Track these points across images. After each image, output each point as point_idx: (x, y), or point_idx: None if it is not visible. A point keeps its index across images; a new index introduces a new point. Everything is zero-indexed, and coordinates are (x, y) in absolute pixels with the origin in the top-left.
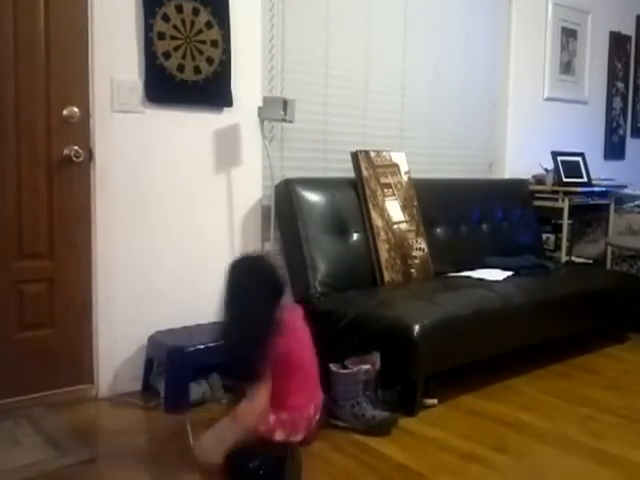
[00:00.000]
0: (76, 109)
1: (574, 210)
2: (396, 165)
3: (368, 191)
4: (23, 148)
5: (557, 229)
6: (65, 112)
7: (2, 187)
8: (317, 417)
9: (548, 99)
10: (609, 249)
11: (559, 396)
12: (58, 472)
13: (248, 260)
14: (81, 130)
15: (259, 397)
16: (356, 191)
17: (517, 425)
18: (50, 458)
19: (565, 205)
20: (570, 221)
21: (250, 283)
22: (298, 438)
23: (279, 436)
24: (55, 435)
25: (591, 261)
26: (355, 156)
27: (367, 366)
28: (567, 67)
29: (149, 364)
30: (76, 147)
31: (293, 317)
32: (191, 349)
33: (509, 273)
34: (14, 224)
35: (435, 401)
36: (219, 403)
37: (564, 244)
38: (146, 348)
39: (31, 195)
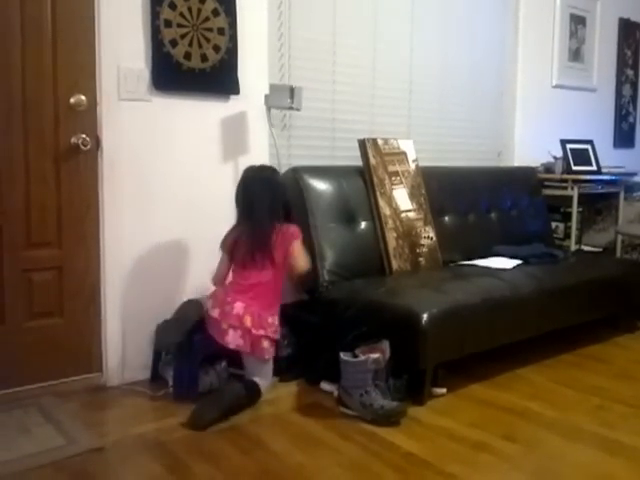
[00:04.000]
0: (83, 97)
1: (583, 198)
2: (404, 153)
3: (376, 179)
4: (31, 137)
5: (566, 217)
6: (72, 100)
7: (10, 176)
8: (251, 329)
9: (557, 87)
10: (619, 237)
11: (569, 385)
12: (68, 460)
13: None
14: (88, 118)
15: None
16: (364, 179)
17: (527, 414)
18: (60, 446)
19: (574, 193)
20: (579, 209)
21: (269, 174)
22: (214, 314)
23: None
24: (65, 424)
25: (601, 249)
26: (362, 144)
27: (376, 355)
28: (576, 54)
29: (157, 353)
30: (83, 135)
31: (290, 232)
32: (199, 338)
33: (518, 262)
34: (22, 213)
35: (444, 390)
36: None
37: (573, 232)
38: (154, 337)
39: (39, 184)
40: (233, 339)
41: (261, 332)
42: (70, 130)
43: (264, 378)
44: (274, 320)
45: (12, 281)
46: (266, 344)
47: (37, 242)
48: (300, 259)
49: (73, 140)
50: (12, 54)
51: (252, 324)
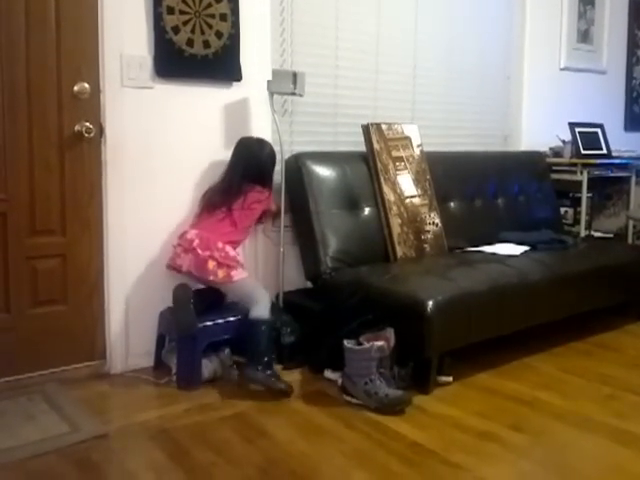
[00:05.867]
0: (86, 85)
1: (593, 183)
2: (408, 138)
3: (379, 165)
4: (34, 125)
5: (576, 203)
6: (76, 88)
7: (14, 164)
8: (197, 249)
9: (565, 69)
10: (630, 223)
11: (579, 374)
12: (71, 447)
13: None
14: (91, 106)
15: None
16: (367, 165)
17: (535, 404)
18: (64, 433)
19: (584, 178)
20: (589, 194)
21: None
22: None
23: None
24: (69, 411)
25: (611, 235)
26: (366, 129)
27: (381, 342)
28: (585, 35)
29: (161, 340)
30: (87, 123)
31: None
32: (203, 326)
33: (526, 248)
34: (26, 201)
35: (450, 379)
36: (230, 380)
37: (583, 218)
38: (158, 324)
39: (43, 171)
40: (183, 261)
41: (207, 253)
42: (74, 118)
43: (253, 303)
44: (225, 247)
45: (16, 269)
46: (212, 266)
47: (41, 230)
48: (273, 206)
49: (77, 128)
50: (16, 43)
51: (198, 245)
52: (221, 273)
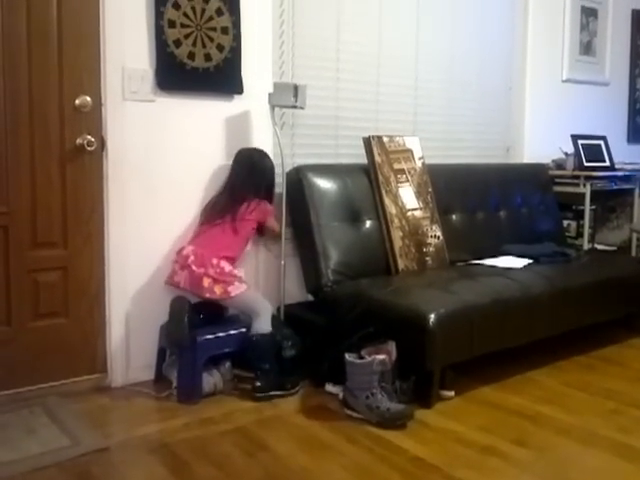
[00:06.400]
0: (88, 98)
1: (596, 195)
2: (410, 150)
3: (381, 177)
4: (36, 137)
5: (579, 215)
6: (77, 101)
7: (16, 177)
8: (191, 265)
9: (567, 81)
10: (634, 235)
11: (582, 389)
12: (72, 461)
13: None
14: (93, 119)
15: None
16: (369, 177)
17: (538, 418)
18: (64, 447)
19: (587, 190)
20: (592, 207)
21: (253, 155)
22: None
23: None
24: (69, 424)
25: (615, 248)
26: (367, 142)
27: (382, 356)
28: (587, 47)
29: (161, 353)
30: (89, 136)
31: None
32: (203, 339)
33: (529, 261)
34: (28, 213)
35: (452, 393)
36: (230, 394)
37: (586, 231)
38: (158, 337)
39: (45, 184)
40: (180, 278)
41: (201, 270)
42: (75, 131)
43: (254, 316)
44: (220, 262)
45: (18, 281)
46: (207, 283)
47: (42, 242)
48: (275, 226)
49: (78, 141)
50: (18, 56)
51: (193, 262)
52: (218, 289)
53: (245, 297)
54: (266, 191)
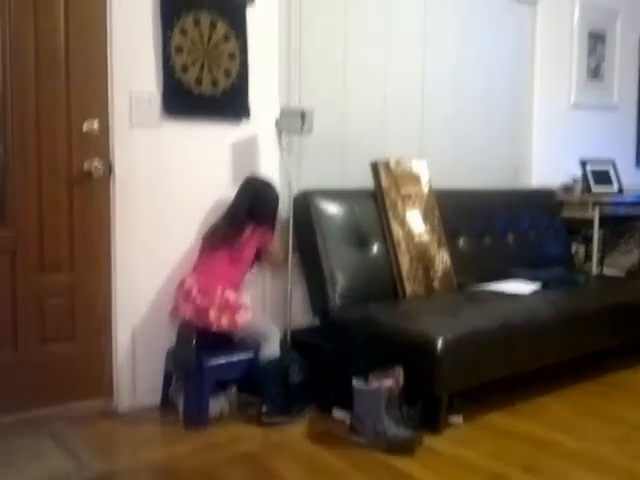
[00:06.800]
0: (96, 123)
1: (605, 220)
2: (417, 174)
3: (388, 201)
4: (44, 162)
5: (587, 240)
6: (85, 126)
7: (24, 201)
8: (195, 299)
9: (575, 105)
10: None
11: (593, 415)
12: None
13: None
14: (100, 144)
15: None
16: (376, 202)
17: (548, 445)
18: (70, 471)
19: (595, 215)
20: (601, 231)
21: (258, 184)
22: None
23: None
24: (75, 448)
25: (624, 273)
26: (374, 166)
27: (390, 382)
28: (595, 72)
29: (168, 378)
30: (96, 161)
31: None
32: (210, 364)
33: (536, 286)
34: (35, 237)
35: (461, 419)
36: (237, 419)
37: (595, 255)
38: (165, 362)
39: (52, 209)
40: (184, 310)
41: (206, 302)
42: (83, 155)
43: (262, 341)
44: (225, 291)
45: (25, 305)
46: (213, 315)
47: (49, 267)
48: (279, 253)
49: (85, 165)
50: (26, 80)
51: (197, 294)
52: (224, 320)
53: (252, 323)
54: (268, 220)
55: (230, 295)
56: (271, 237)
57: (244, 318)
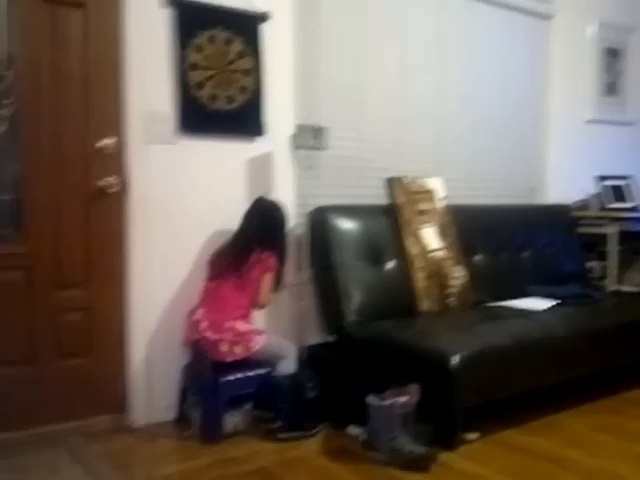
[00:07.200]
0: (111, 141)
1: (622, 236)
2: (432, 191)
3: (403, 218)
4: (60, 180)
5: (603, 256)
6: (100, 144)
7: (40, 218)
8: (205, 333)
9: (591, 121)
10: None
11: (610, 432)
12: None
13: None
14: (116, 161)
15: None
16: (391, 218)
17: (564, 462)
18: None
19: (611, 231)
20: (618, 248)
21: (266, 207)
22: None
23: None
24: (93, 464)
25: None
26: (389, 183)
27: (405, 398)
28: (611, 88)
29: (183, 393)
30: (111, 178)
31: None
32: (226, 380)
33: (553, 302)
34: (51, 254)
35: (476, 435)
36: (252, 434)
37: (611, 272)
38: (180, 377)
39: (68, 225)
40: (196, 340)
41: (217, 336)
42: (98, 173)
43: (278, 360)
44: (234, 324)
45: (42, 321)
46: (225, 348)
47: (66, 283)
48: (264, 293)
49: (101, 183)
50: (43, 100)
51: (207, 328)
52: (238, 349)
53: (267, 346)
54: (273, 244)
55: (241, 326)
56: (271, 265)
57: (258, 344)
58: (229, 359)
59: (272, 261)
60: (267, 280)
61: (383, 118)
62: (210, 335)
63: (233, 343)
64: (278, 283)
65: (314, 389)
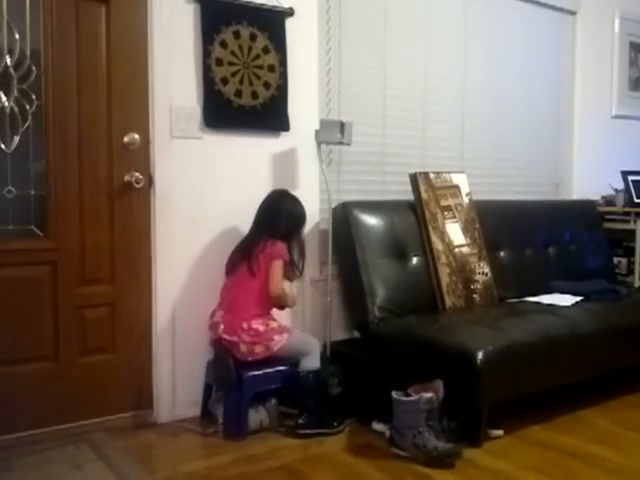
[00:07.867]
0: (136, 136)
1: None
2: (457, 187)
3: (428, 214)
4: (85, 175)
5: (629, 252)
6: (126, 139)
7: (65, 214)
8: (223, 335)
9: (617, 117)
10: None
11: (634, 428)
12: None
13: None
14: (141, 156)
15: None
16: (415, 214)
17: (589, 459)
18: None
19: (637, 227)
20: None
21: (277, 198)
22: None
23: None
24: (116, 460)
25: None
26: (414, 178)
27: (429, 394)
28: (637, 83)
29: (208, 390)
30: (137, 173)
31: (275, 249)
32: (250, 375)
33: (578, 298)
34: (77, 250)
35: (501, 432)
36: (276, 431)
37: (637, 268)
38: (205, 373)
39: (93, 221)
40: (215, 344)
41: (234, 338)
42: (124, 168)
43: (303, 355)
44: (250, 324)
45: (66, 317)
46: (245, 349)
47: (90, 279)
48: (272, 280)
49: (126, 178)
50: (68, 96)
51: (224, 331)
52: (259, 349)
53: (290, 343)
54: (279, 232)
55: (258, 326)
56: (278, 250)
57: (279, 343)
58: (250, 358)
59: (278, 247)
60: (275, 267)
61: (407, 113)
62: (228, 337)
63: (252, 344)
64: (292, 271)
65: (339, 385)
